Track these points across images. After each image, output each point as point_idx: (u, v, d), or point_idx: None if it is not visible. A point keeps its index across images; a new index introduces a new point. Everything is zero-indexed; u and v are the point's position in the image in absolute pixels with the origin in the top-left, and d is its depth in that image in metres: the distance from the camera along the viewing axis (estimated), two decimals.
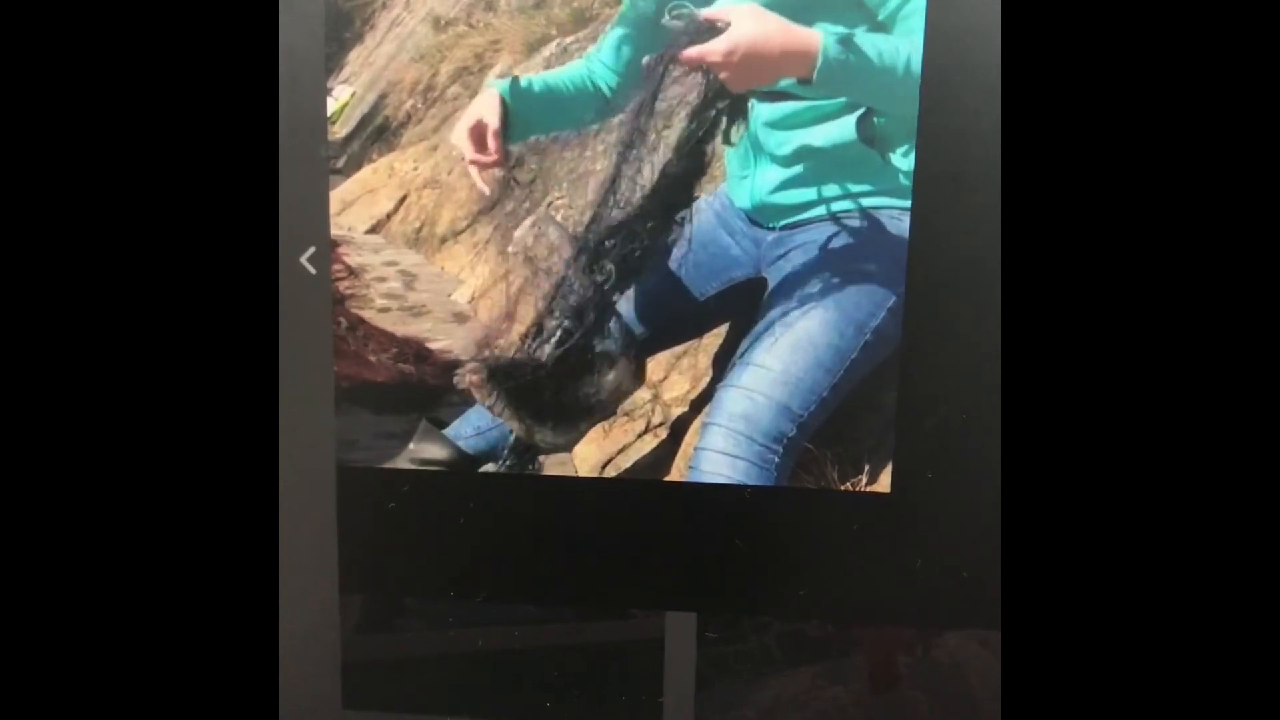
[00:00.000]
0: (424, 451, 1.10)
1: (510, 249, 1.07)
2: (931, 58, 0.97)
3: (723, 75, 1.00)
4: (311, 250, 1.06)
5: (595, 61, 1.03)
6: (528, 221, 1.06)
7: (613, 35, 1.03)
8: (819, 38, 0.98)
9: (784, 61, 0.99)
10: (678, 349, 1.08)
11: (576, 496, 1.09)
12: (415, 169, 1.08)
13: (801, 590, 1.09)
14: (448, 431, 1.09)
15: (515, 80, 1.03)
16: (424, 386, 1.09)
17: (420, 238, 1.09)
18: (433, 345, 1.09)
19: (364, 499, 1.11)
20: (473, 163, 1.04)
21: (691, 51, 1.00)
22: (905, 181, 1.01)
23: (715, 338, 1.07)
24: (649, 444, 1.08)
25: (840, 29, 0.97)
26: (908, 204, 1.02)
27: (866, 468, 1.06)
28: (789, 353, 1.03)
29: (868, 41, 0.98)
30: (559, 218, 1.06)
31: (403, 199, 1.09)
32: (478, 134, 1.04)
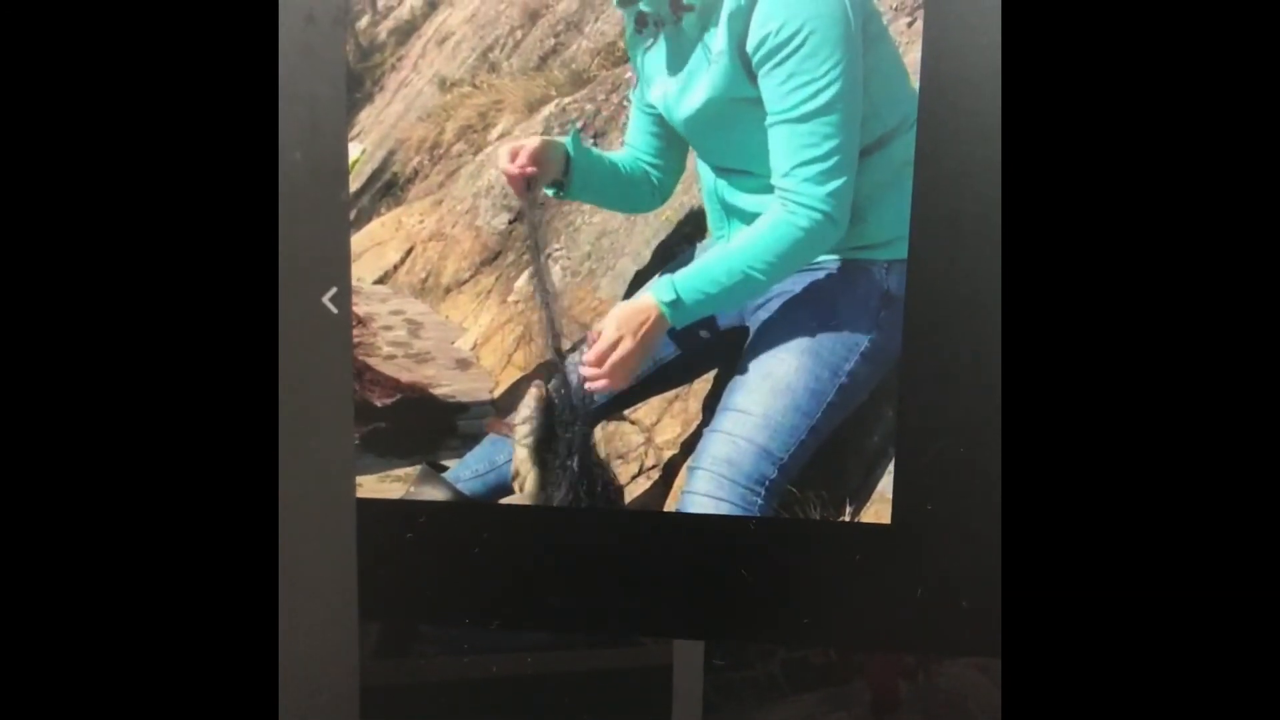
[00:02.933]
0: (423, 494, 1.12)
1: (511, 298, 1.10)
2: (928, 99, 0.99)
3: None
4: (333, 291, 1.08)
5: (635, 150, 1.08)
6: (527, 273, 1.10)
7: (637, 128, 1.08)
8: (656, 308, 1.04)
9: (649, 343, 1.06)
10: (669, 394, 1.10)
11: (588, 527, 1.10)
12: (421, 223, 1.11)
13: (806, 619, 1.10)
14: (447, 475, 1.12)
15: (578, 134, 1.07)
16: (427, 431, 1.12)
17: (426, 288, 1.12)
18: (436, 391, 1.12)
19: (382, 529, 1.12)
20: (504, 171, 1.06)
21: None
22: (865, 240, 1.04)
23: (705, 383, 1.09)
24: (642, 486, 1.10)
25: (669, 292, 1.03)
26: (876, 256, 1.04)
27: (849, 509, 1.07)
28: (768, 397, 1.05)
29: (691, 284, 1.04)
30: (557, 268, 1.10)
31: (409, 251, 1.11)
32: (514, 151, 1.06)
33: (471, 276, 1.12)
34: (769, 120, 0.99)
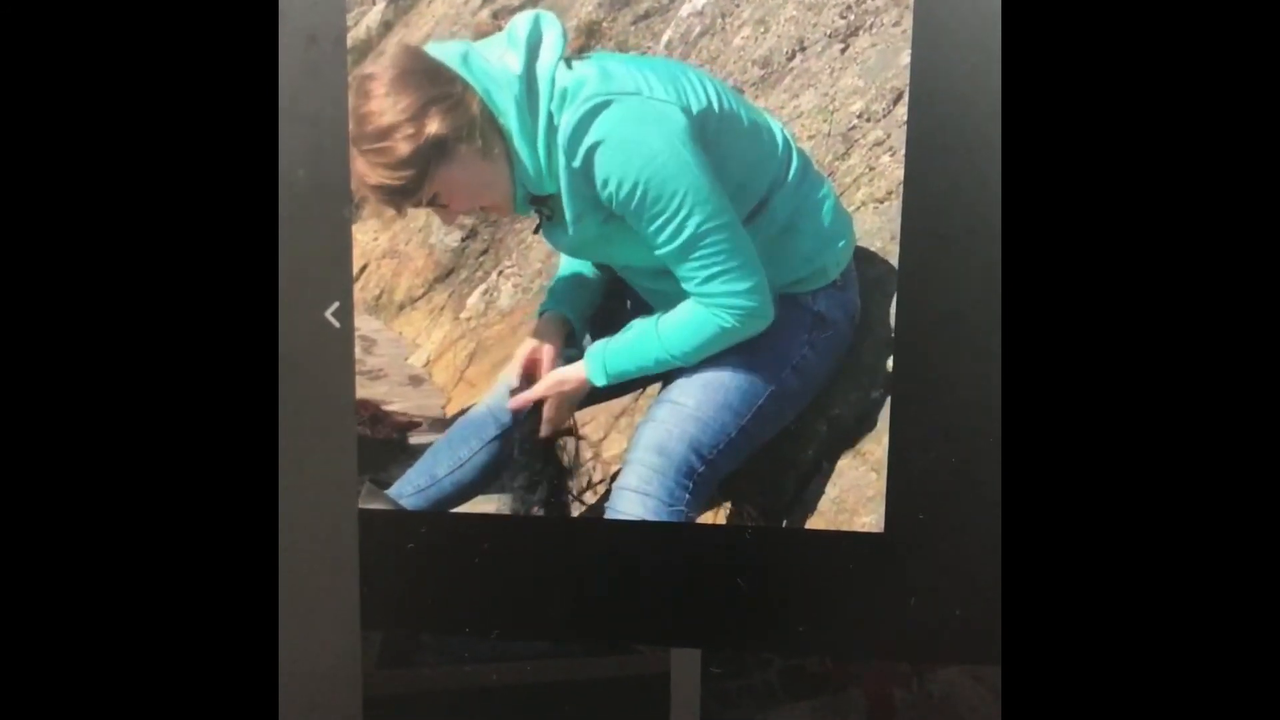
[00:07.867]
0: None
1: (464, 315, 1.11)
2: (917, 112, 1.00)
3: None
4: (336, 305, 1.10)
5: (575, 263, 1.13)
6: (480, 289, 1.11)
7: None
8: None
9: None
10: (616, 410, 1.11)
11: (587, 537, 1.11)
12: (375, 240, 1.12)
13: (800, 627, 1.10)
14: (390, 491, 1.13)
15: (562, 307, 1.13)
16: (378, 446, 1.13)
17: (379, 305, 1.13)
18: (389, 408, 1.13)
19: (384, 540, 1.14)
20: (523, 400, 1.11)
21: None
22: (779, 284, 1.05)
23: (649, 399, 1.11)
24: (589, 500, 1.11)
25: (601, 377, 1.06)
26: (796, 291, 1.06)
27: (785, 522, 1.08)
28: (701, 392, 1.06)
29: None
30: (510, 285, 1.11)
31: (363, 268, 1.12)
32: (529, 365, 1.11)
33: (425, 293, 1.13)
34: (657, 251, 1.01)
